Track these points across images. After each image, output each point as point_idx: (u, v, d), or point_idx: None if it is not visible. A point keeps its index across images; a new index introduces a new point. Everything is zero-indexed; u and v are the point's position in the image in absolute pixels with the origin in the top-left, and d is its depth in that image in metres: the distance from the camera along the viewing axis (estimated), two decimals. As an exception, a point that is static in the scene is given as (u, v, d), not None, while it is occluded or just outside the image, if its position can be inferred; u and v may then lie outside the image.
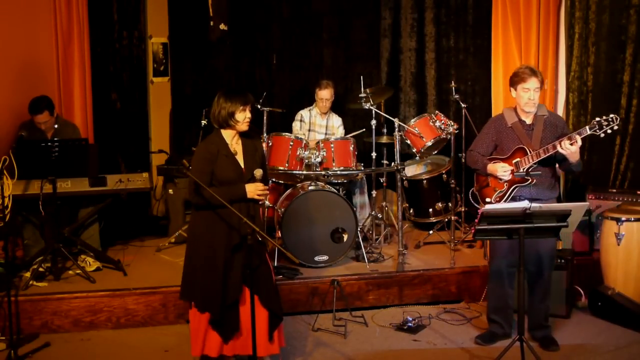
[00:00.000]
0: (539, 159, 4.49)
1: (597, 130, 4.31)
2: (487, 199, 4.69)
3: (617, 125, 4.30)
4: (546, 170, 4.60)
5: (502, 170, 4.58)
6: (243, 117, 4.06)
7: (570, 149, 4.32)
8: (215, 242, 4.05)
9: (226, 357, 4.17)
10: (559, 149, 4.35)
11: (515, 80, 4.57)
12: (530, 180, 4.52)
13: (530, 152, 4.51)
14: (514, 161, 4.58)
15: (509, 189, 4.61)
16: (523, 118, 4.63)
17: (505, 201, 4.60)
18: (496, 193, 4.66)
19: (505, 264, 4.66)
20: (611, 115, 4.32)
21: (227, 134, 4.12)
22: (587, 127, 4.35)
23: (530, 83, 4.50)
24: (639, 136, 5.94)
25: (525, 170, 4.52)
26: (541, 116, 4.61)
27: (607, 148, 6.08)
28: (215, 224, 4.04)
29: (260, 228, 4.10)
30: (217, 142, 4.09)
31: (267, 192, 4.06)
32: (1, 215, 4.78)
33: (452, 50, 7.42)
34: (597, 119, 4.34)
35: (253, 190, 4.02)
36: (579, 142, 4.32)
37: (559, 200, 4.81)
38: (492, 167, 4.65)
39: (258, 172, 4.04)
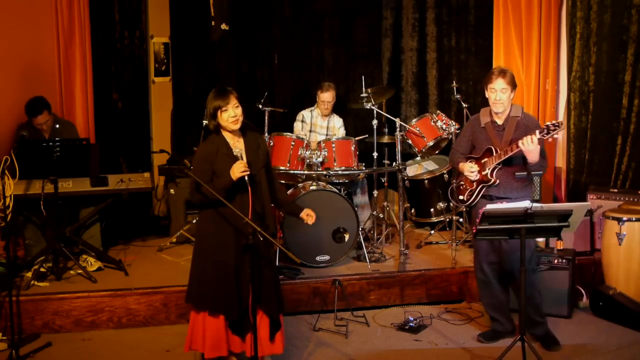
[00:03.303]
0: (502, 160, 4.52)
1: (545, 135, 4.29)
2: (460, 197, 4.80)
3: (561, 130, 4.34)
4: (513, 170, 4.59)
5: (468, 170, 4.67)
6: (226, 116, 3.97)
7: (529, 146, 4.31)
8: (224, 243, 4.02)
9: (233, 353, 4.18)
10: (520, 146, 4.36)
11: (485, 80, 4.65)
12: (493, 180, 4.58)
13: (496, 152, 4.56)
14: (482, 161, 4.64)
15: (476, 188, 4.68)
16: (495, 119, 4.66)
17: (474, 199, 4.69)
18: (467, 191, 4.75)
19: (486, 262, 4.72)
20: (557, 121, 4.32)
21: (227, 134, 4.10)
22: (537, 131, 4.32)
23: (495, 83, 4.54)
24: (641, 136, 5.95)
25: (490, 170, 4.58)
26: (514, 117, 4.62)
27: (609, 148, 6.08)
28: (223, 225, 4.02)
29: (272, 226, 4.11)
30: (217, 142, 4.06)
31: (247, 167, 3.92)
32: (3, 215, 4.79)
33: (453, 50, 7.43)
34: (547, 123, 4.33)
35: (235, 170, 3.91)
36: (535, 141, 4.30)
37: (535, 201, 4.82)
38: (462, 166, 4.75)
39: (236, 151, 3.99)
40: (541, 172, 4.62)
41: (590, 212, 5.73)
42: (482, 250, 4.73)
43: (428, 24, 7.47)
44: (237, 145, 4.09)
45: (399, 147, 5.91)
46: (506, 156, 4.49)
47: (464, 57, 7.37)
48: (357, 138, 6.20)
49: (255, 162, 4.08)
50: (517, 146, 4.38)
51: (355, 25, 7.81)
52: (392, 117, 6.06)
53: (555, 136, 4.35)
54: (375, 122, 6.22)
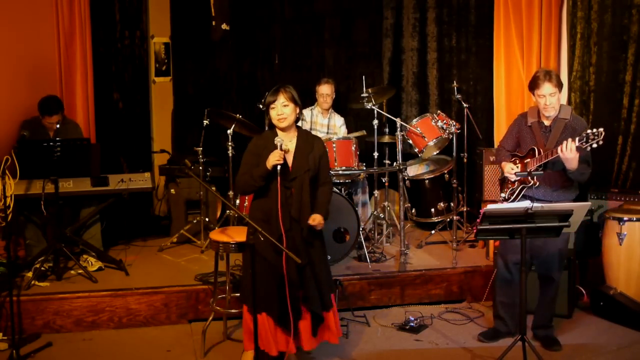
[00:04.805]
0: (543, 162, 4.46)
1: (584, 144, 4.19)
2: (502, 194, 4.75)
3: (601, 140, 4.14)
4: (558, 174, 4.55)
5: (509, 170, 4.62)
6: (274, 114, 4.09)
7: (567, 153, 4.23)
8: (263, 241, 4.00)
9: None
10: (558, 152, 4.29)
11: (531, 85, 4.57)
12: (532, 182, 4.51)
13: (538, 154, 4.50)
14: (526, 161, 4.60)
15: (517, 188, 4.64)
16: (542, 119, 4.61)
17: (514, 199, 4.63)
18: (509, 189, 4.70)
19: (514, 261, 4.64)
20: (598, 130, 4.17)
21: (280, 132, 4.15)
22: (577, 139, 4.23)
23: (543, 89, 4.46)
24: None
25: (529, 171, 4.51)
26: (562, 119, 4.55)
27: (609, 148, 6.05)
28: (267, 220, 4.04)
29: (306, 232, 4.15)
30: (268, 138, 4.14)
31: (282, 157, 3.97)
32: (3, 215, 4.79)
33: (454, 50, 7.42)
34: (587, 131, 4.20)
35: (271, 158, 3.98)
36: (573, 149, 4.21)
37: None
38: (503, 165, 4.71)
39: (277, 140, 4.05)
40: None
41: (590, 212, 5.73)
42: (511, 249, 4.64)
43: (429, 23, 7.47)
44: (289, 145, 4.13)
45: (399, 147, 5.91)
46: (545, 160, 4.42)
47: (465, 57, 7.36)
48: (354, 134, 6.20)
49: (300, 164, 4.11)
50: (557, 151, 4.30)
51: (356, 25, 7.81)
52: (392, 117, 6.06)
53: (594, 145, 4.17)
54: (375, 122, 6.23)
